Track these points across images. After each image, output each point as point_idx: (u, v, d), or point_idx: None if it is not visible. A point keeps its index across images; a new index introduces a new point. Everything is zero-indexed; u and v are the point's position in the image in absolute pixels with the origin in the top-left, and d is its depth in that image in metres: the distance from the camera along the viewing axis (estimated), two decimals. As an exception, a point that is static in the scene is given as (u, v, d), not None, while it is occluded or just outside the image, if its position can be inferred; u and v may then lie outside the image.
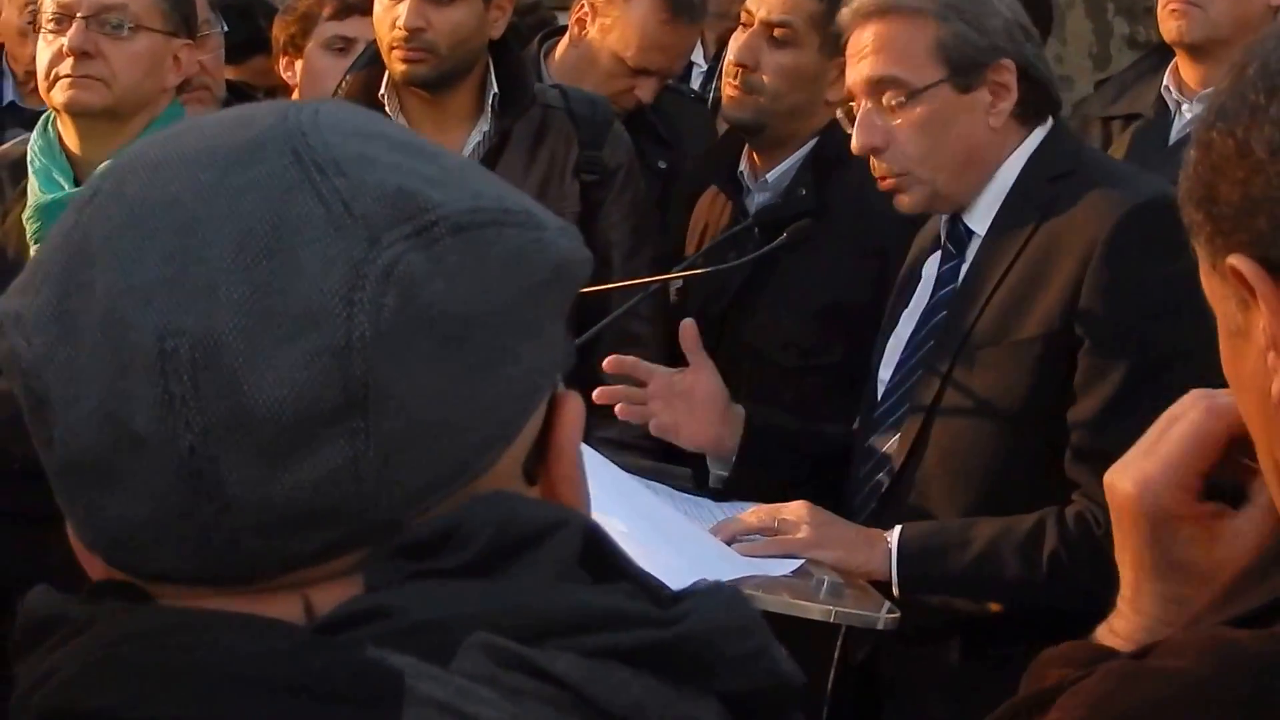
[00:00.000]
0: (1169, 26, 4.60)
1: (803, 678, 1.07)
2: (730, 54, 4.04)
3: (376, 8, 4.14)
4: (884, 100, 3.23)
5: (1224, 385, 1.44)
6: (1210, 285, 1.37)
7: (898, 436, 3.28)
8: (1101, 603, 3.16)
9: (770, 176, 4.00)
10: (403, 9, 4.03)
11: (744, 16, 4.02)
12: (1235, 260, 1.31)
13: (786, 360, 3.85)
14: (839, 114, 3.40)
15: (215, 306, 1.00)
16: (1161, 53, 5.00)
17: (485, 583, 1.03)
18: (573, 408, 1.11)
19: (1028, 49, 3.26)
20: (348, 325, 1.00)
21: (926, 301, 3.34)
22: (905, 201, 3.27)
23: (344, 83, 4.23)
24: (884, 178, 3.27)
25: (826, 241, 3.80)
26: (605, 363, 3.38)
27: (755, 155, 4.05)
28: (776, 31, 3.94)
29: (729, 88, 4.00)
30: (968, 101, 3.23)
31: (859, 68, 3.25)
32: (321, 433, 1.00)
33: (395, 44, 4.05)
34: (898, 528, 3.19)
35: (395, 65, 4.07)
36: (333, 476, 1.01)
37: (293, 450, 1.00)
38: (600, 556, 1.07)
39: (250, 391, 1.00)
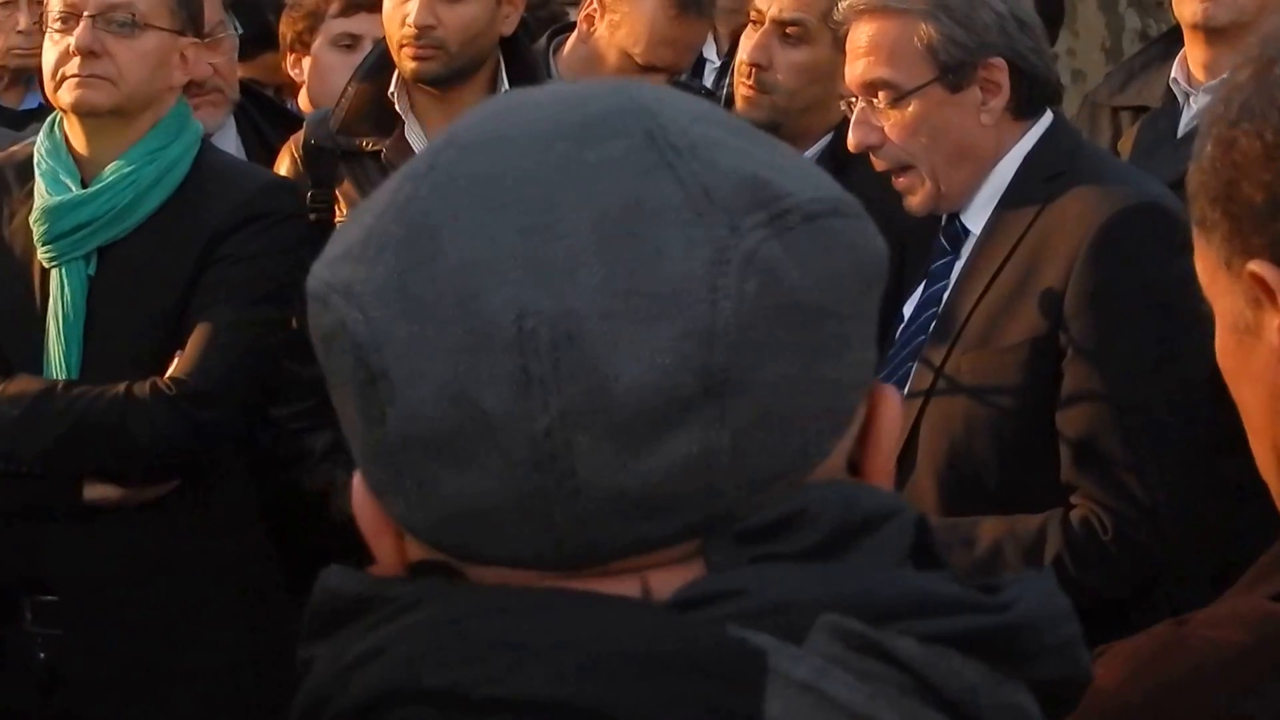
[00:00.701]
0: (1192, 9, 4.52)
1: (1092, 671, 1.08)
2: (742, 54, 4.01)
3: (386, 5, 4.12)
4: (876, 101, 3.24)
5: (1212, 388, 1.43)
6: (1214, 279, 1.37)
7: None
8: (1107, 603, 3.16)
9: (785, 172, 3.98)
10: (412, 6, 4.01)
11: (753, 15, 4.00)
12: (1258, 266, 1.31)
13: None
14: (842, 105, 3.41)
15: (576, 285, 0.98)
16: (1169, 40, 4.96)
17: (828, 566, 1.02)
18: (891, 399, 1.10)
19: (1022, 44, 3.24)
20: (711, 311, 0.98)
21: (919, 297, 3.34)
22: (913, 203, 3.29)
23: (353, 79, 4.21)
24: (888, 173, 3.28)
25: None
26: None
27: (769, 152, 4.02)
28: (788, 30, 3.93)
29: (743, 88, 3.98)
30: (958, 100, 3.23)
31: (853, 67, 3.27)
32: (678, 419, 0.98)
33: (405, 41, 4.03)
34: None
35: (405, 63, 4.05)
36: (685, 464, 0.99)
37: (648, 437, 0.98)
38: (923, 545, 1.06)
39: (610, 374, 0.97)
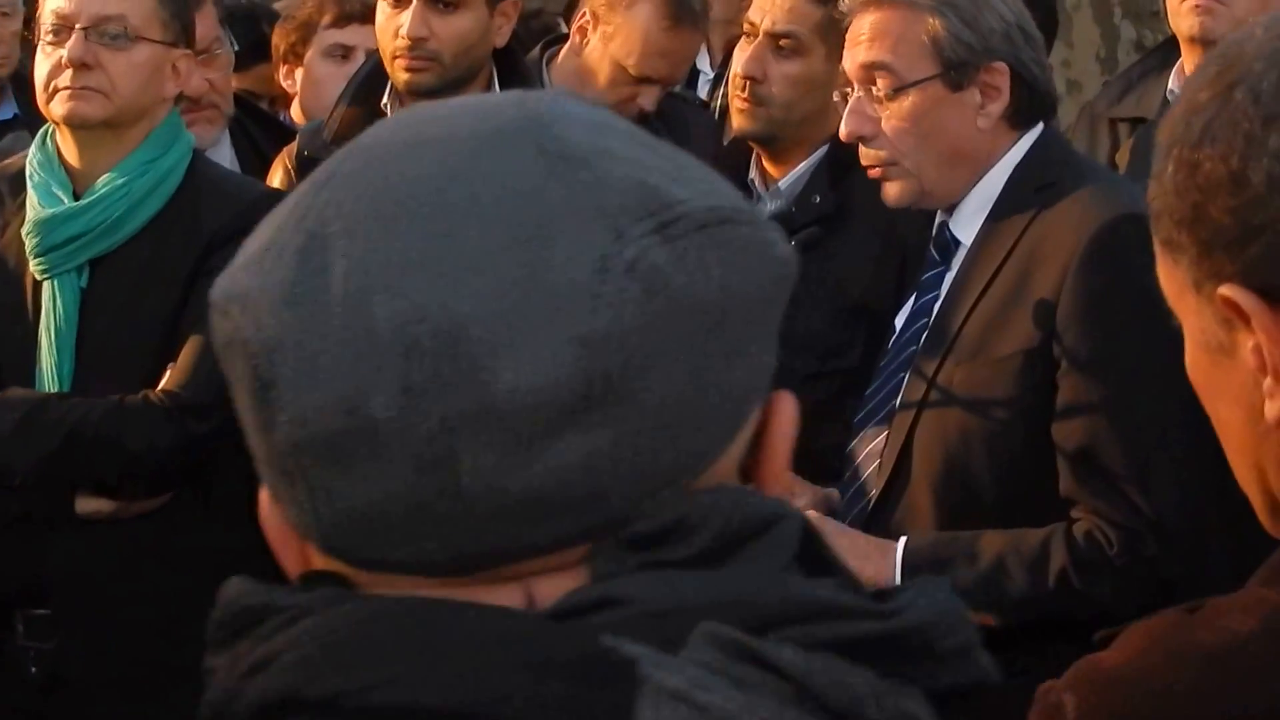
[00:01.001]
0: (1190, 22, 4.51)
1: (999, 677, 1.07)
2: (736, 67, 4.00)
3: (379, 16, 4.12)
4: (875, 89, 3.23)
5: None
6: (1181, 298, 1.38)
7: (880, 441, 3.26)
8: (1114, 619, 3.13)
9: (783, 184, 3.96)
10: (406, 17, 4.01)
11: (747, 28, 3.99)
12: (1230, 291, 1.32)
13: (804, 365, 3.82)
14: (835, 98, 3.39)
15: (461, 294, 1.00)
16: (1166, 50, 4.95)
17: (711, 573, 1.03)
18: (787, 407, 1.11)
19: (1025, 53, 3.25)
20: (592, 318, 1.00)
21: (910, 308, 3.34)
22: (891, 193, 3.28)
23: (346, 91, 4.20)
24: (872, 166, 3.27)
25: (845, 244, 3.79)
26: None
27: (766, 163, 4.01)
28: (782, 42, 3.91)
29: (738, 101, 3.96)
30: (957, 100, 3.22)
31: (854, 53, 3.27)
32: (562, 425, 1.00)
33: (398, 53, 4.03)
34: (904, 537, 3.17)
35: (398, 74, 4.05)
36: (570, 470, 1.01)
37: (532, 442, 1.00)
38: (813, 551, 1.07)
39: (492, 382, 0.99)
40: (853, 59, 3.26)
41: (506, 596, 1.03)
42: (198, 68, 4.01)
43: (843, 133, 3.29)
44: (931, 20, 3.20)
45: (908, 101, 3.21)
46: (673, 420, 1.02)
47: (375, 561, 1.04)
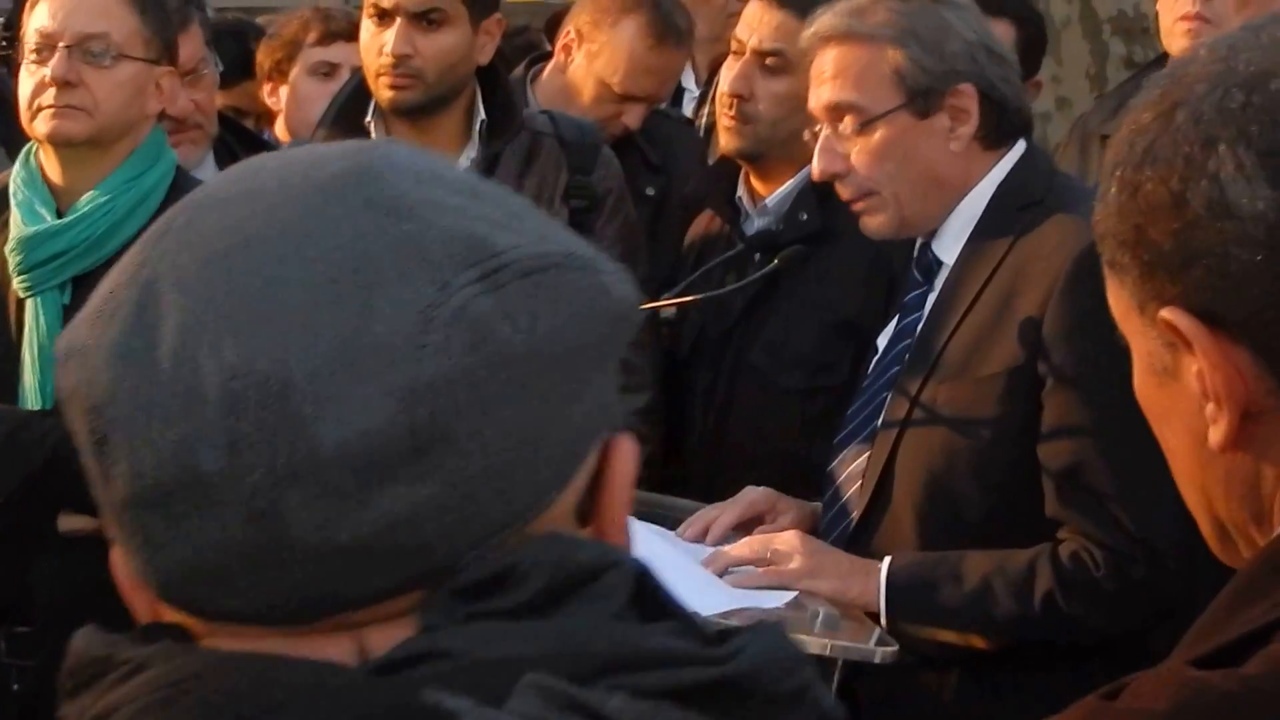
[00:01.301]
0: (1182, 43, 4.53)
1: (844, 715, 1.08)
2: (723, 85, 4.00)
3: (363, 34, 4.12)
4: (841, 126, 3.21)
5: None
6: (1127, 319, 1.39)
7: (862, 462, 3.25)
8: (1104, 638, 3.10)
9: (770, 201, 3.96)
10: (390, 35, 4.00)
11: (734, 46, 3.99)
12: (1171, 314, 1.32)
13: (792, 382, 3.83)
14: (805, 136, 3.37)
15: (286, 347, 1.01)
16: (1159, 67, 4.95)
17: (540, 623, 1.03)
18: (625, 450, 1.11)
19: (992, 71, 3.22)
20: (417, 369, 1.01)
21: (893, 329, 3.32)
22: (871, 225, 3.26)
23: (329, 108, 4.20)
24: (853, 199, 3.25)
25: (833, 261, 3.78)
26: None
27: (754, 180, 4.01)
28: (769, 60, 3.91)
29: (725, 119, 3.96)
30: (926, 127, 3.21)
31: (818, 93, 3.25)
32: (387, 476, 1.01)
33: (382, 70, 4.02)
34: (888, 557, 3.15)
35: (382, 92, 4.05)
36: (399, 519, 1.01)
37: (358, 493, 1.01)
38: (649, 596, 1.07)
39: (317, 433, 1.00)
40: (817, 98, 3.25)
41: (339, 647, 1.04)
42: (184, 88, 4.02)
43: (815, 172, 3.28)
44: (892, 52, 3.18)
45: (876, 135, 3.20)
46: (502, 468, 1.03)
47: (212, 612, 1.05)
